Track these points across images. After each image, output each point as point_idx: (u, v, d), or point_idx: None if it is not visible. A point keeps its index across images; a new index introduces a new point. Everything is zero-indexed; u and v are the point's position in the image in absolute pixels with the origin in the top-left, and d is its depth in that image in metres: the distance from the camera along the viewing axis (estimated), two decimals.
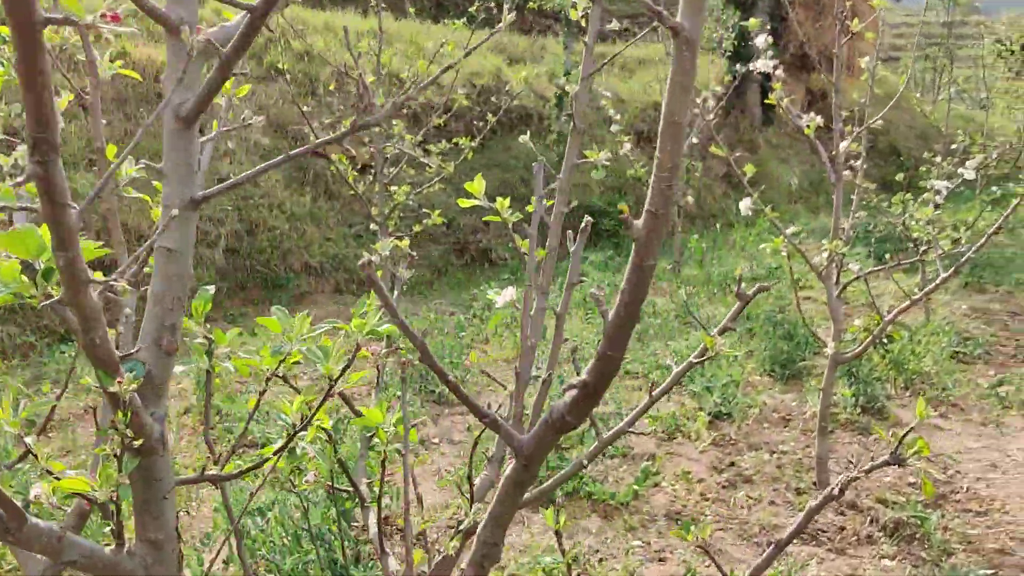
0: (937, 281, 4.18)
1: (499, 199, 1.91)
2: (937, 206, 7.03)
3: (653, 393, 1.71)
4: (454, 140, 6.64)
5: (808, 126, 4.12)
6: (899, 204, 6.78)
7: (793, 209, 13.23)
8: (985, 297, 7.90)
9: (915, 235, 6.68)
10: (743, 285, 1.60)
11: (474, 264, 8.82)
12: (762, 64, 4.15)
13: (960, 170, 6.89)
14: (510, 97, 9.90)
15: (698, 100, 9.06)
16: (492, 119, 6.73)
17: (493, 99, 9.79)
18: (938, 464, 4.47)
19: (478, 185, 1.86)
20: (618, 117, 8.81)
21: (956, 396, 5.31)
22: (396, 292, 2.12)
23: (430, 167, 6.63)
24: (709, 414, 4.89)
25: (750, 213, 4.06)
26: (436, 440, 4.84)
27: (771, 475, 4.34)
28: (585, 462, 1.80)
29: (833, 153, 4.12)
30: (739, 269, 2.81)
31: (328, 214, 8.11)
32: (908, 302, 4.09)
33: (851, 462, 4.56)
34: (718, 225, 10.98)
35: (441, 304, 7.72)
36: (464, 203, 1.91)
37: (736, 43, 12.84)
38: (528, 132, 2.79)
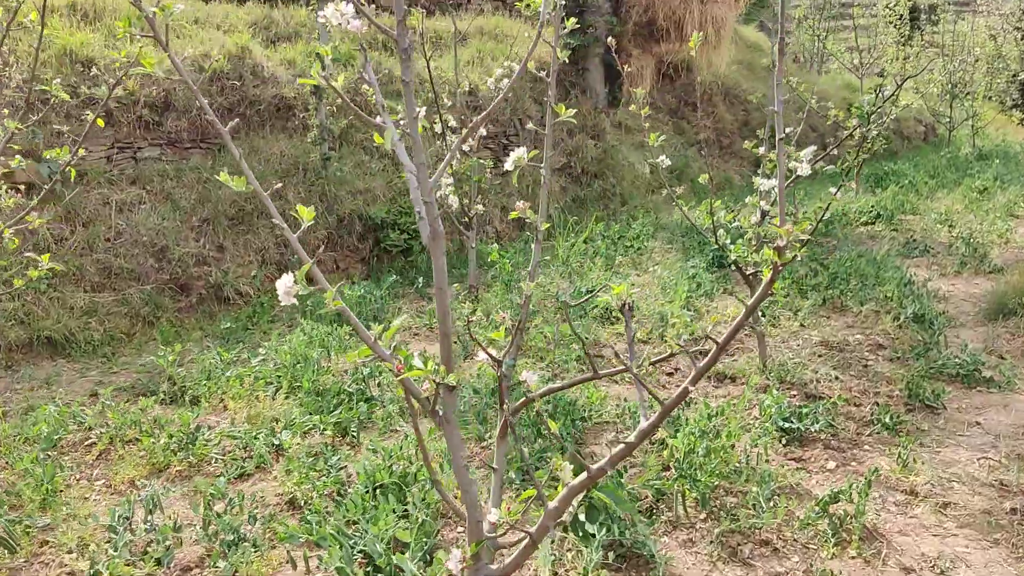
0: (696, 371, 2.30)
1: None
2: (764, 214, 5.23)
3: None
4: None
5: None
6: (706, 215, 4.95)
7: (649, 202, 11.44)
8: (845, 321, 6.16)
9: (732, 257, 4.87)
10: None
11: (200, 306, 6.68)
12: None
13: (793, 163, 5.10)
14: (265, 83, 7.79)
15: (489, 80, 7.00)
16: (92, 116, 4.59)
17: (247, 85, 7.66)
18: None
19: None
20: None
21: (770, 524, 3.46)
22: None
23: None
24: None
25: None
26: None
27: None
28: None
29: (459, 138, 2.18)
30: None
31: None
32: (620, 447, 2.21)
33: None
34: (556, 230, 9.09)
35: (123, 373, 5.58)
36: None
37: (569, 12, 10.93)
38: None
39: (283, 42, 8.75)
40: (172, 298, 6.54)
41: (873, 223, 9.90)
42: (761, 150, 5.05)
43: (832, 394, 4.83)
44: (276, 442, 4.20)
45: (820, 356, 5.45)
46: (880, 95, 4.68)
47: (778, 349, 5.57)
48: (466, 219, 6.94)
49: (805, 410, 4.39)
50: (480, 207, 6.90)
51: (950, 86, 18.00)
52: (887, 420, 4.39)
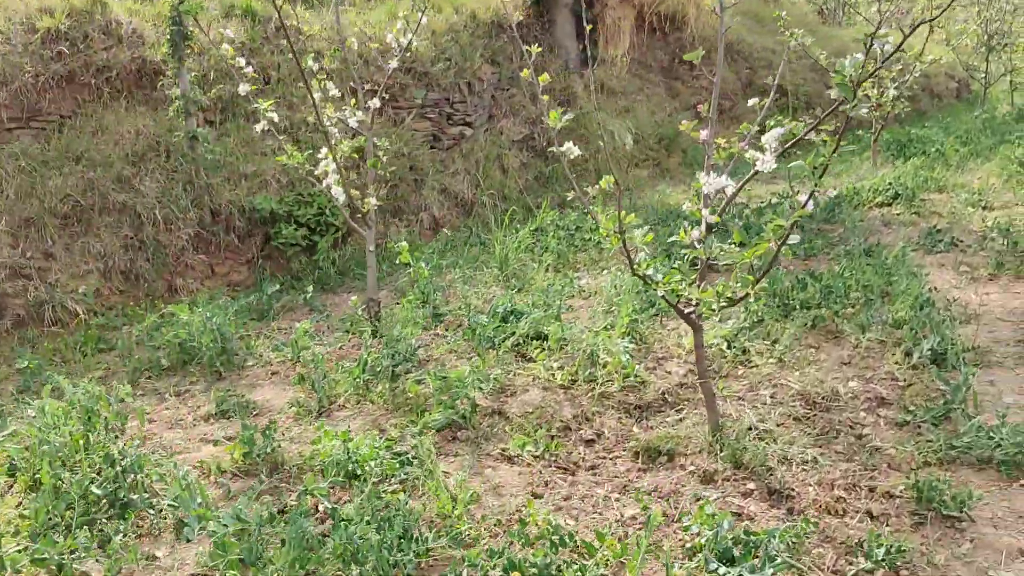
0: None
1: None
2: (710, 227, 3.65)
3: None
4: None
5: None
6: (613, 235, 3.41)
7: (631, 178, 9.83)
8: (839, 355, 4.60)
9: (660, 292, 3.34)
10: None
11: (17, 331, 5.26)
12: None
13: (751, 154, 3.52)
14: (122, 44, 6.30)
15: (389, 35, 5.60)
16: None
17: (94, 46, 6.15)
18: None
19: None
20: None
21: None
22: None
23: None
24: None
25: None
26: None
27: None
28: None
29: None
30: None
31: None
32: None
33: None
34: (492, 219, 7.56)
35: None
36: None
37: None
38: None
39: None
40: None
41: (890, 204, 8.25)
42: (703, 134, 3.45)
43: (806, 491, 3.32)
44: None
45: (797, 420, 3.91)
46: (882, 51, 3.09)
47: (740, 406, 4.05)
48: (359, 215, 5.43)
49: (754, 538, 2.88)
50: (374, 200, 5.38)
51: (986, 37, 16.02)
52: (878, 554, 2.87)
